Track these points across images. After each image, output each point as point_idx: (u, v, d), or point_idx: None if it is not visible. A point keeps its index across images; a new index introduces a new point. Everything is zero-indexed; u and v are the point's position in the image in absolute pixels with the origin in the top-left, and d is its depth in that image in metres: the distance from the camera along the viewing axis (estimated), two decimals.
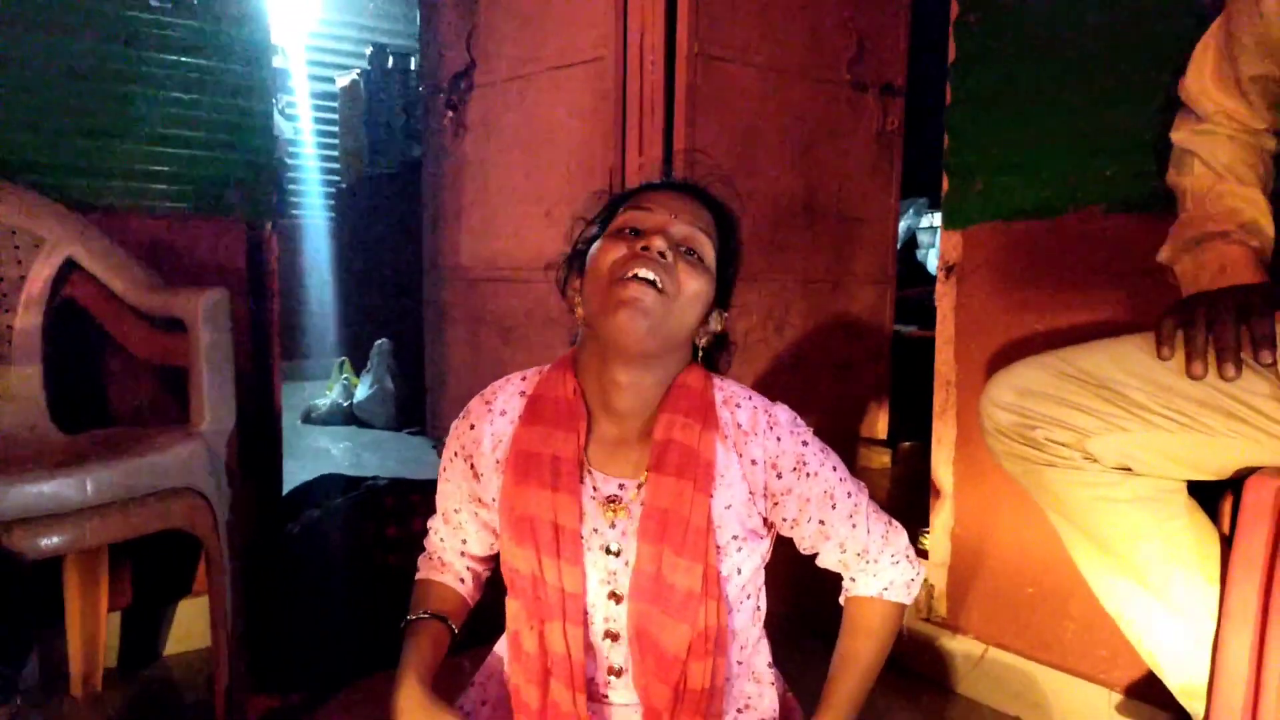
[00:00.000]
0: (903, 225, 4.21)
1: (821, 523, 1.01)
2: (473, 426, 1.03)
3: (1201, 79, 1.22)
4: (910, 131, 3.03)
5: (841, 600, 1.09)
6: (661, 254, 0.91)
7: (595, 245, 0.97)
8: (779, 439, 0.98)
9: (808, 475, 0.99)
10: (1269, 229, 1.17)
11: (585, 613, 0.95)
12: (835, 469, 1.02)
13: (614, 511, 0.96)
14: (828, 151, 2.86)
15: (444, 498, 1.08)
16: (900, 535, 1.06)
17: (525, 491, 0.95)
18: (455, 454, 1.04)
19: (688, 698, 0.93)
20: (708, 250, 0.96)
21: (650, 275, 0.90)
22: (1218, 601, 1.08)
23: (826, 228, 2.87)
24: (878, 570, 1.04)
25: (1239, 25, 1.14)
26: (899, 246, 3.99)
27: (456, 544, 1.09)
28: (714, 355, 1.05)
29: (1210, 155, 1.21)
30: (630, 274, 0.90)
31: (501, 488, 0.99)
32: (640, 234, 0.93)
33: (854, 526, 1.02)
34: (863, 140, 2.95)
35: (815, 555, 1.06)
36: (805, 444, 0.99)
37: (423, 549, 1.13)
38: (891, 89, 3.00)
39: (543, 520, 0.94)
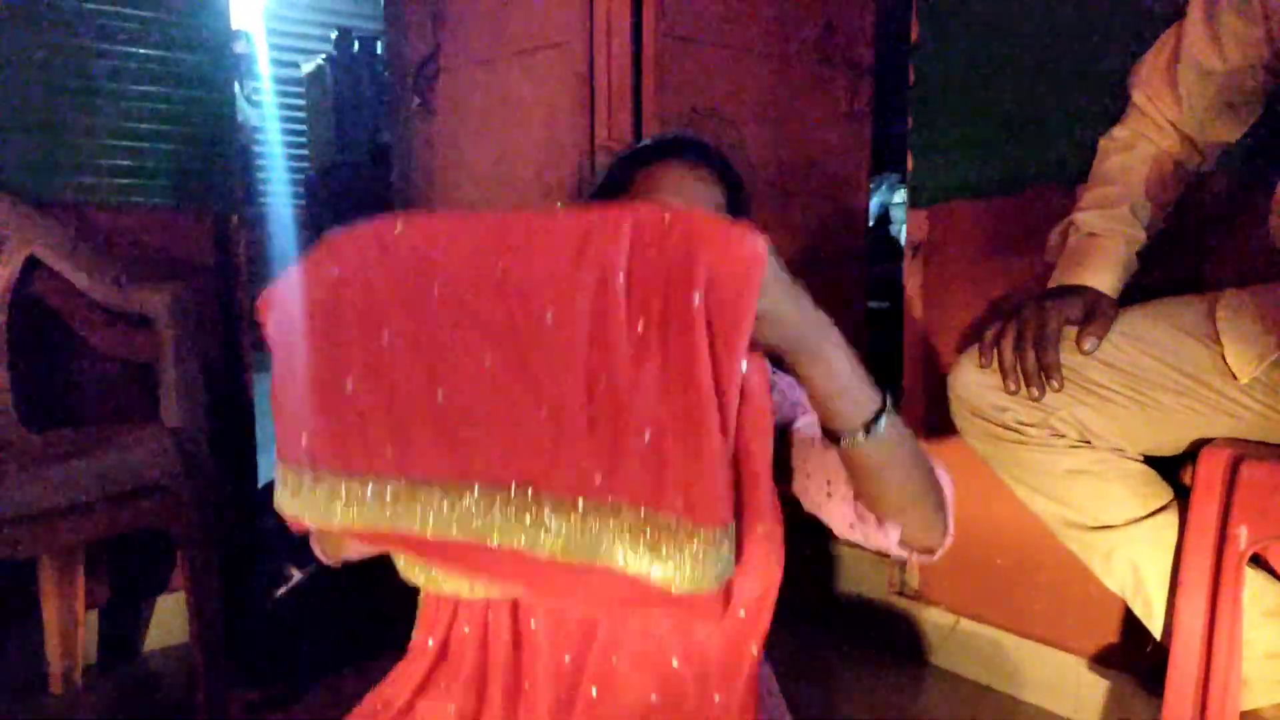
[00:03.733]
0: (875, 201, 4.23)
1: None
2: None
3: (1149, 66, 1.23)
4: (884, 109, 3.04)
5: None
6: None
7: None
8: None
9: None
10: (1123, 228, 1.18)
11: None
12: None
13: None
14: (796, 131, 2.86)
15: None
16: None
17: None
18: None
19: None
20: None
21: None
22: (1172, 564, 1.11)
23: (796, 207, 2.88)
24: None
25: (1211, 10, 1.15)
26: (871, 223, 4.02)
27: None
28: None
29: (1118, 163, 1.23)
30: None
31: None
32: None
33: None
34: (831, 119, 2.96)
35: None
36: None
37: None
38: (859, 68, 3.01)
39: None
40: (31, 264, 1.62)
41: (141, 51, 1.80)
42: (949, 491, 0.86)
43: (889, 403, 0.74)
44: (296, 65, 6.03)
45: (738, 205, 1.02)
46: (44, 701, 1.65)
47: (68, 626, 1.69)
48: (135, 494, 1.37)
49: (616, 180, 1.02)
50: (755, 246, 0.64)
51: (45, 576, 1.67)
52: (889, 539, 0.83)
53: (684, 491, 0.64)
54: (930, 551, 0.85)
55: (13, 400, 1.59)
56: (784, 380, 0.98)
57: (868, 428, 0.72)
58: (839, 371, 0.71)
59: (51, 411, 1.70)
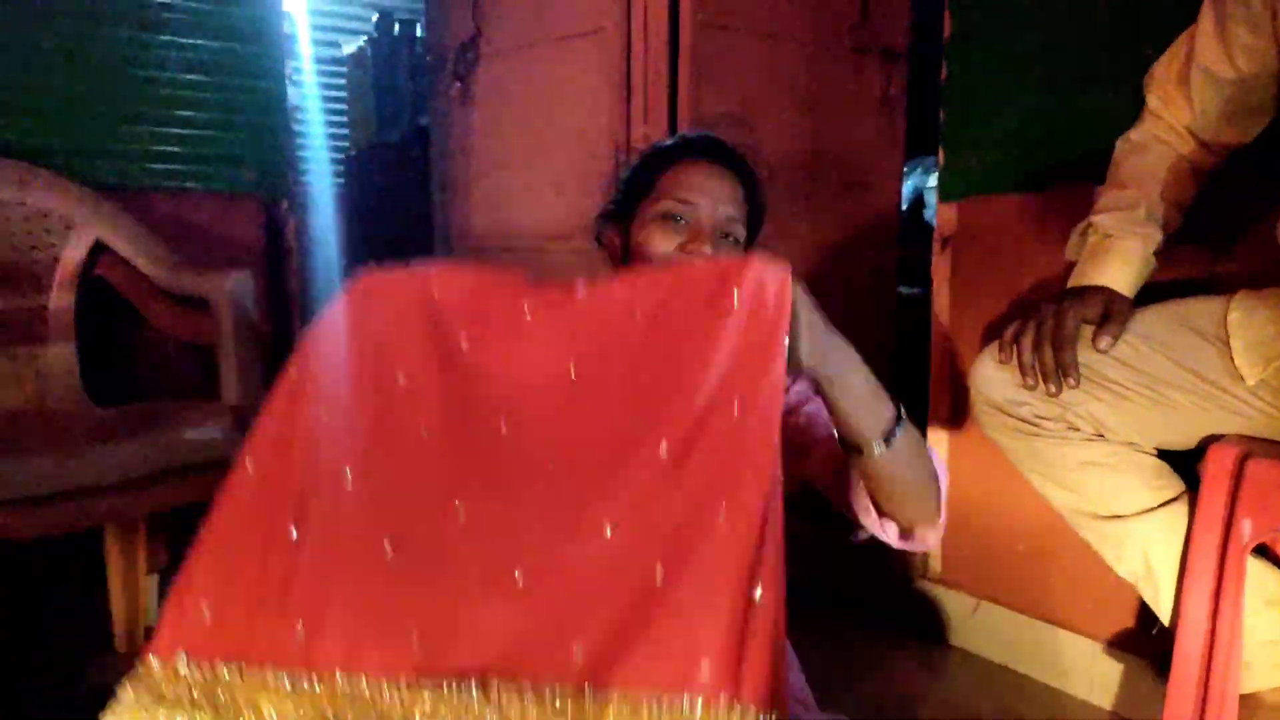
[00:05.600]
0: (910, 185, 4.22)
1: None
2: None
3: (1163, 70, 1.26)
4: (921, 94, 3.05)
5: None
6: (711, 251, 0.98)
7: (641, 224, 1.02)
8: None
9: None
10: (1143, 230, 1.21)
11: None
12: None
13: None
14: (831, 117, 2.89)
15: None
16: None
17: None
18: None
19: None
20: (740, 231, 1.04)
21: None
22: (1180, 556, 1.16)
23: (830, 193, 2.91)
24: None
25: (1221, 21, 1.17)
26: (906, 207, 4.02)
27: None
28: None
29: (1134, 165, 1.26)
30: None
31: None
32: (683, 221, 1.00)
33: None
34: (866, 105, 2.98)
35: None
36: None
37: None
38: (894, 53, 3.02)
39: None
40: (98, 247, 1.71)
41: (198, 41, 1.88)
42: (944, 481, 0.92)
43: (902, 412, 0.81)
44: (338, 45, 6.11)
45: (754, 202, 1.07)
46: (109, 659, 1.76)
47: (130, 589, 1.79)
48: (196, 468, 1.45)
49: (641, 181, 1.07)
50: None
51: (110, 543, 1.77)
52: (888, 534, 0.91)
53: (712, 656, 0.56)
54: (924, 540, 0.91)
55: (80, 376, 1.69)
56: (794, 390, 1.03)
57: (886, 439, 0.79)
58: (859, 391, 0.78)
59: (114, 387, 1.80)
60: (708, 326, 0.66)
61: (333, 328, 0.75)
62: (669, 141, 1.11)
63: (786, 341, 0.67)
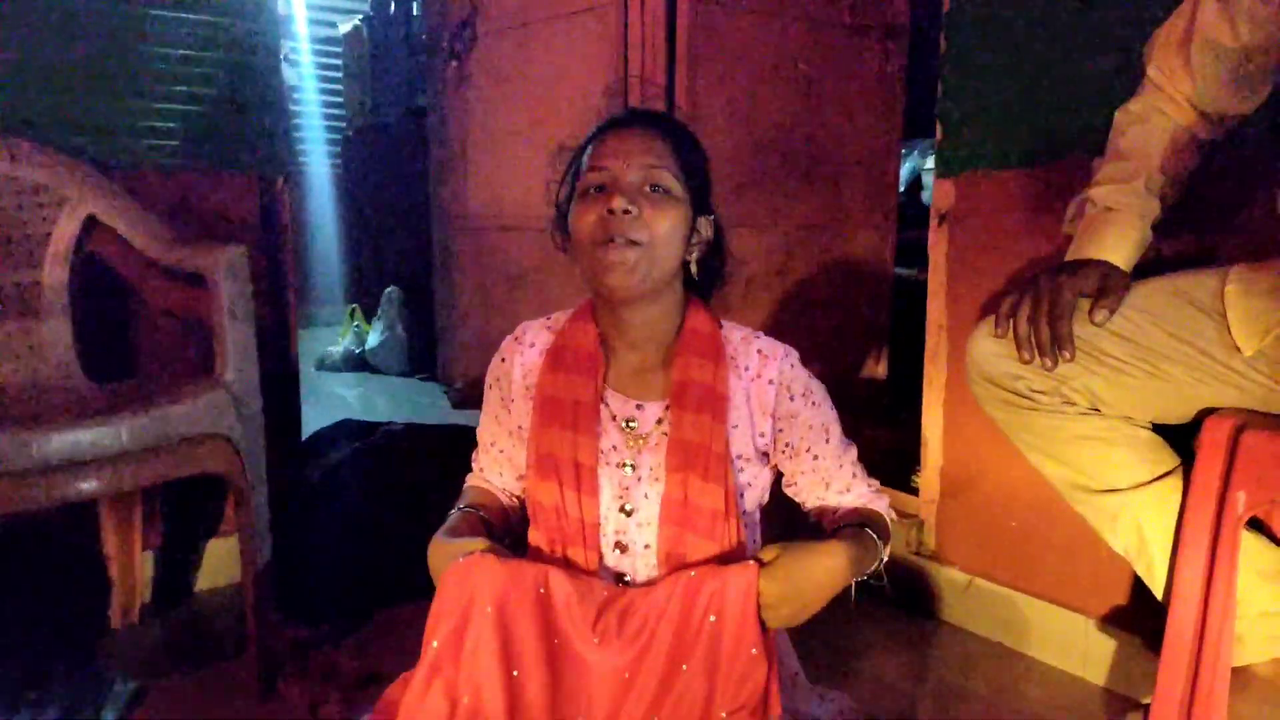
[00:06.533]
0: (908, 166, 4.21)
1: (815, 457, 1.11)
2: (504, 360, 1.15)
3: (1163, 40, 1.25)
4: (920, 72, 3.03)
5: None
6: (626, 210, 0.98)
7: (572, 211, 1.05)
8: (792, 365, 1.09)
9: (813, 404, 1.10)
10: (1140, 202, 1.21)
11: (600, 535, 1.06)
12: (833, 410, 1.14)
13: (637, 439, 1.07)
14: (828, 95, 2.88)
15: (484, 431, 1.20)
16: (884, 499, 1.17)
17: (549, 431, 1.06)
18: (490, 387, 1.17)
19: None
20: (668, 178, 1.02)
21: (624, 236, 0.98)
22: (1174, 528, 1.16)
23: (827, 172, 2.91)
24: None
25: None
26: (904, 188, 4.01)
27: (495, 474, 1.20)
28: (713, 269, 1.12)
29: (1133, 136, 1.25)
30: (606, 238, 0.99)
31: (529, 428, 1.09)
32: (604, 190, 1.01)
33: (840, 467, 1.13)
34: (863, 83, 2.97)
35: (799, 502, 1.19)
36: (811, 377, 1.11)
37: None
38: (893, 31, 3.00)
39: (564, 458, 1.04)
40: (91, 222, 1.70)
41: (191, 16, 1.87)
42: (888, 511, 1.18)
43: (880, 547, 1.10)
44: (333, 24, 6.08)
45: (686, 155, 1.06)
46: (105, 636, 1.77)
47: (126, 567, 1.80)
48: (192, 442, 1.45)
49: (569, 176, 1.09)
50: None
51: (106, 520, 1.77)
52: None
53: None
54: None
55: (76, 351, 1.69)
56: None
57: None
58: (850, 578, 1.05)
59: (109, 363, 1.79)
60: (696, 636, 0.94)
61: (469, 612, 0.93)
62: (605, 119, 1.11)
63: (758, 628, 0.93)
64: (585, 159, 1.06)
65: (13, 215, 1.65)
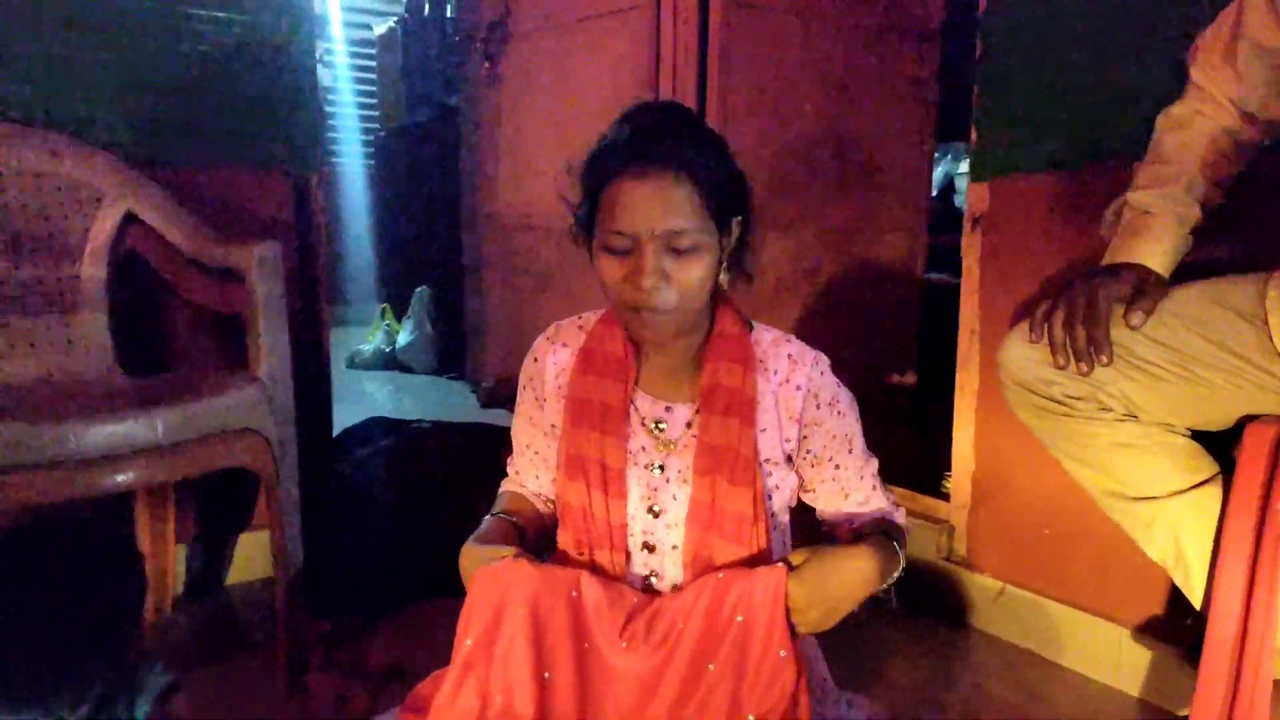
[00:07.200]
0: (941, 171, 4.18)
1: (837, 466, 1.10)
2: (536, 360, 1.15)
3: (1208, 43, 1.23)
4: (953, 76, 3.00)
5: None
6: (655, 284, 0.95)
7: (594, 249, 1.01)
8: (822, 373, 1.09)
9: (839, 414, 1.09)
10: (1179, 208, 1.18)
11: (627, 536, 1.06)
12: (858, 421, 1.13)
13: (665, 444, 1.07)
14: (860, 99, 2.86)
15: (518, 434, 1.20)
16: (901, 512, 1.17)
17: (578, 433, 1.06)
18: (524, 388, 1.16)
19: None
20: (691, 234, 0.96)
21: (655, 304, 0.97)
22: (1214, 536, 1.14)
23: (858, 175, 2.89)
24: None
25: None
26: (936, 192, 3.97)
27: (530, 477, 1.20)
28: (738, 262, 1.07)
29: (1175, 140, 1.23)
30: (635, 306, 0.98)
31: (560, 428, 1.10)
32: (624, 251, 0.97)
33: (861, 479, 1.13)
34: (895, 87, 2.94)
35: (816, 510, 1.19)
36: (839, 386, 1.10)
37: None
38: (925, 34, 2.98)
39: (592, 459, 1.05)
40: (128, 219, 1.73)
41: (229, 16, 1.89)
42: (905, 524, 1.18)
43: (899, 554, 1.06)
44: (368, 26, 6.14)
45: (710, 186, 0.97)
46: (138, 627, 1.79)
47: (160, 559, 1.82)
48: (226, 436, 1.47)
49: (586, 195, 1.02)
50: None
51: (140, 513, 1.80)
52: None
53: None
54: None
55: (113, 345, 1.71)
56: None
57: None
58: (879, 584, 1.01)
59: (145, 357, 1.82)
60: (722, 636, 0.94)
61: (502, 613, 0.93)
62: (602, 144, 1.02)
63: (787, 631, 0.93)
64: (603, 202, 0.98)
65: (53, 211, 1.68)
